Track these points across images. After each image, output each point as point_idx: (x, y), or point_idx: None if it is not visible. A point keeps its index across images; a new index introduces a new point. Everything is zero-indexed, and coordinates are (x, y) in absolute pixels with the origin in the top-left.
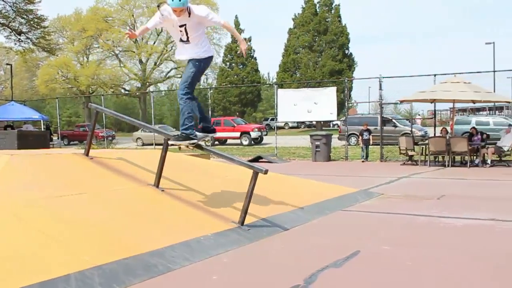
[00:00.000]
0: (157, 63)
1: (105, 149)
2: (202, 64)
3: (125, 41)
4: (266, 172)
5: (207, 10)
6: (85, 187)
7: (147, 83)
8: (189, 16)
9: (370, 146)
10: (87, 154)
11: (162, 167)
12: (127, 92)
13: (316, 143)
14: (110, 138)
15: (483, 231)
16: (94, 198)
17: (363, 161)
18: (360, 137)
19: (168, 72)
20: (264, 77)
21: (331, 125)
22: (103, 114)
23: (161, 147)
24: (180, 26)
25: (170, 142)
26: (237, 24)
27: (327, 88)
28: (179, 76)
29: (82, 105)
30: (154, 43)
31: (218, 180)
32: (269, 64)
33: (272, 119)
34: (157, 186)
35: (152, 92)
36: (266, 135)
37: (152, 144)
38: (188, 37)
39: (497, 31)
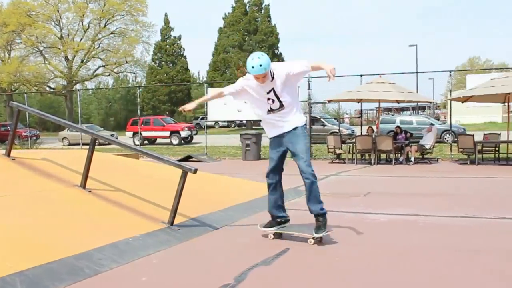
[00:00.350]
0: (84, 60)
1: (29, 149)
2: (306, 130)
3: (50, 37)
4: (195, 171)
5: (286, 64)
6: (6, 189)
7: (74, 81)
8: (272, 80)
9: None
10: (8, 154)
11: (88, 167)
12: (52, 90)
13: (247, 142)
14: (34, 138)
15: (407, 226)
16: (16, 200)
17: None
18: None
19: (96, 70)
20: (194, 76)
21: (261, 124)
22: (26, 112)
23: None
24: (268, 93)
25: (316, 235)
26: (166, 22)
27: None
28: (107, 74)
29: (3, 103)
30: (81, 39)
31: (147, 180)
32: (199, 63)
33: (202, 118)
34: (84, 187)
35: (78, 90)
36: (196, 134)
37: (79, 144)
38: (281, 102)
39: (420, 34)
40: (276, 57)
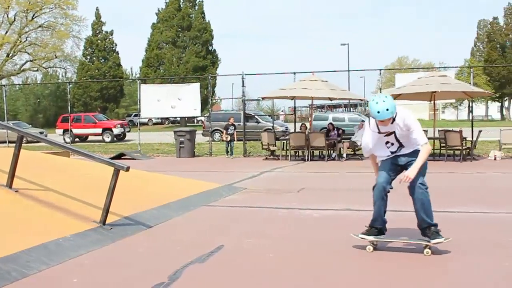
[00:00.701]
0: (10, 54)
1: None
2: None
3: None
4: (128, 169)
5: (411, 121)
6: None
7: None
8: (392, 122)
9: (234, 142)
10: None
11: (15, 166)
12: None
13: (180, 139)
14: None
15: (339, 220)
16: None
17: (233, 158)
18: (225, 132)
19: (23, 64)
20: (127, 72)
21: (195, 121)
22: None
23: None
24: (387, 136)
25: (433, 242)
26: (98, 16)
27: (191, 84)
28: (35, 69)
29: None
30: (6, 33)
31: (78, 179)
32: (132, 58)
33: (136, 115)
34: (10, 187)
35: (4, 85)
36: (129, 131)
37: (5, 142)
38: (400, 143)
39: (352, 33)
40: (210, 53)
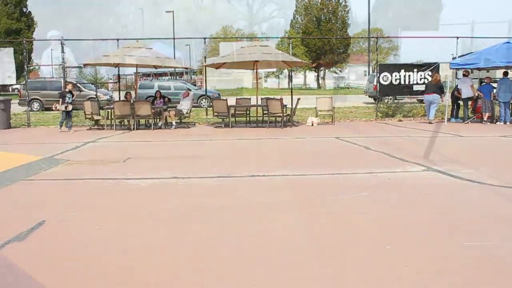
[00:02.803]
0: None
1: None
2: None
3: None
4: None
5: None
6: None
7: None
8: None
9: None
10: None
11: None
12: None
13: None
14: None
15: (168, 188)
16: None
17: (73, 131)
18: (61, 101)
19: None
20: None
21: (11, 90)
22: None
23: None
24: None
25: None
26: None
27: (3, 49)
28: None
29: None
30: None
31: None
32: None
33: None
34: None
35: None
36: None
37: None
38: None
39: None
40: (25, 16)
